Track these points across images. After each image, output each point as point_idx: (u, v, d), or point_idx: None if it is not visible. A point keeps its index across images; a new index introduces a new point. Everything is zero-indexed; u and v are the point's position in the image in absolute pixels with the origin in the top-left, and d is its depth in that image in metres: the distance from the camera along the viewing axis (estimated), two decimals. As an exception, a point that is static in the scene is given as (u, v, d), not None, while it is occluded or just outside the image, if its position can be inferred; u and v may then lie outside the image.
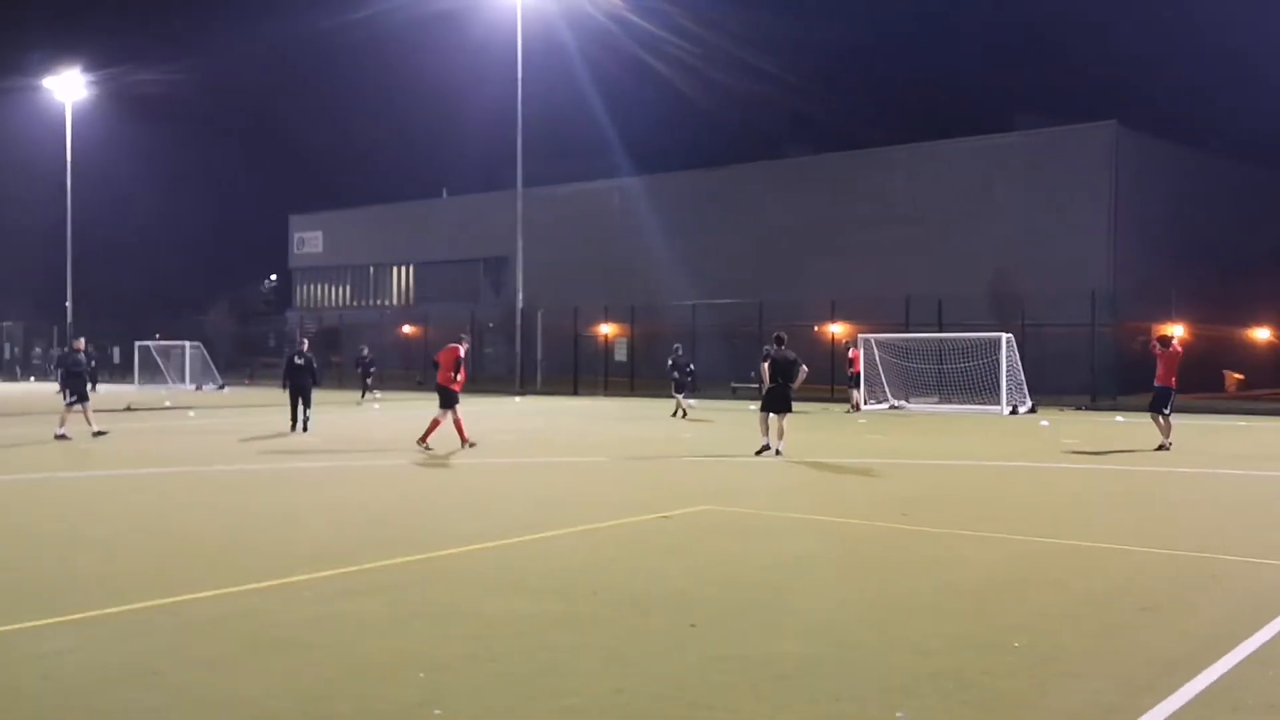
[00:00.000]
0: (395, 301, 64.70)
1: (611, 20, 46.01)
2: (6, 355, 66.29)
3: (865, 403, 31.16)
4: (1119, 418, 27.14)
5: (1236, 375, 38.11)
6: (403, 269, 65.18)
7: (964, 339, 32.11)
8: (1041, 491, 13.60)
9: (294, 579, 7.99)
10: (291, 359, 23.12)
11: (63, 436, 20.39)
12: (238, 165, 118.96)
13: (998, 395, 29.61)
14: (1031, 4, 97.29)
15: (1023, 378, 30.38)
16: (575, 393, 41.84)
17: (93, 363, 23.17)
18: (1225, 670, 5.78)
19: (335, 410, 30.16)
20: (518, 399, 38.99)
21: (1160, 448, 18.14)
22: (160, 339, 51.39)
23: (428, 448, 17.78)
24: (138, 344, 51.19)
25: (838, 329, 38.34)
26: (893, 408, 31.49)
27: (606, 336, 45.97)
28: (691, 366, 30.24)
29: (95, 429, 20.57)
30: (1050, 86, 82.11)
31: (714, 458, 17.38)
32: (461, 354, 18.60)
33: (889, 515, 11.05)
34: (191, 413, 30.32)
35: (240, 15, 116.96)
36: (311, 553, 8.99)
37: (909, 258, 41.74)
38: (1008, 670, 5.82)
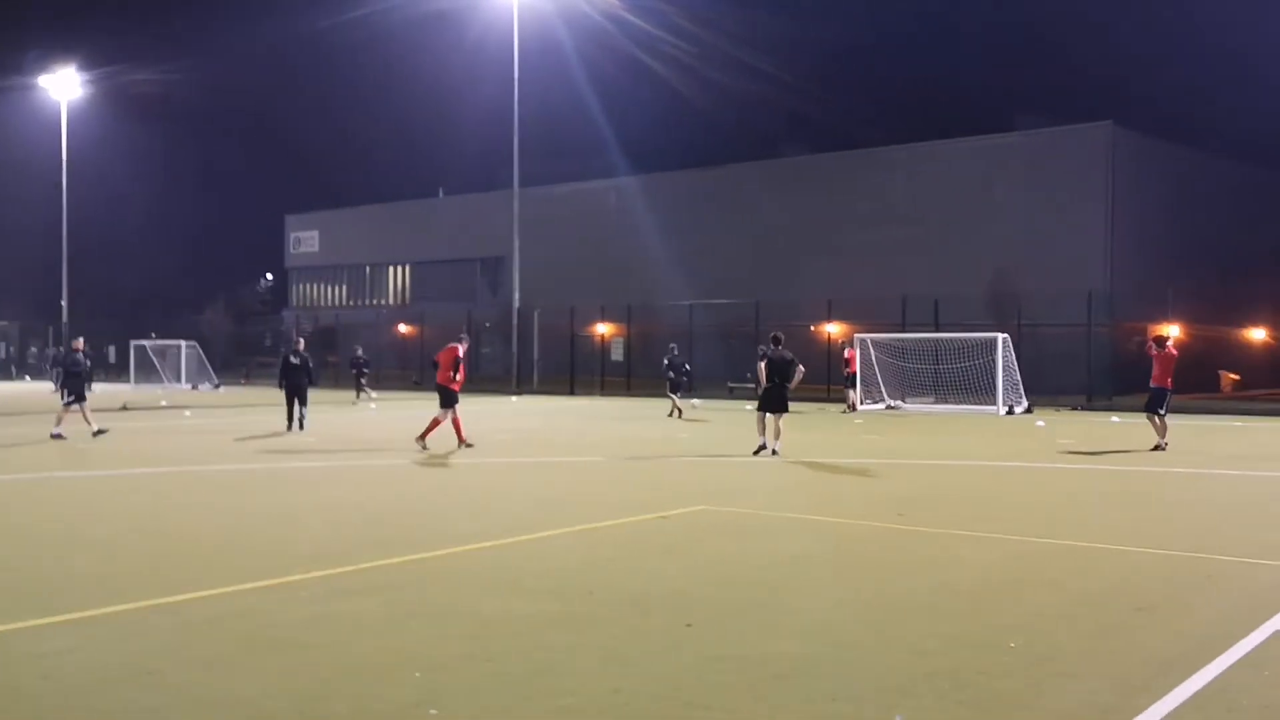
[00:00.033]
0: (391, 301, 64.67)
1: (608, 19, 46.04)
2: (2, 355, 66.21)
3: (861, 403, 31.19)
4: (1115, 418, 27.18)
5: (1232, 375, 38.16)
6: (399, 269, 65.16)
7: (960, 339, 32.14)
8: (1037, 492, 13.62)
9: (291, 579, 8.00)
10: (287, 358, 23.13)
11: (58, 436, 20.36)
12: (234, 164, 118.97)
13: (994, 395, 29.65)
14: (1029, 4, 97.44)
15: (1019, 378, 30.42)
16: (572, 392, 41.84)
17: (88, 362, 23.12)
18: (1220, 671, 5.80)
19: (331, 410, 30.15)
20: (514, 399, 38.99)
21: (1156, 448, 18.18)
22: (156, 338, 51.34)
23: (424, 447, 17.80)
24: (133, 343, 51.12)
25: (834, 329, 38.38)
26: (889, 408, 31.51)
27: (603, 336, 45.97)
28: (687, 366, 30.25)
29: (95, 428, 20.55)
30: (1047, 87, 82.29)
31: (711, 458, 17.39)
32: (460, 353, 18.62)
33: (885, 515, 11.06)
34: (187, 412, 30.30)
35: (237, 15, 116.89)
36: (308, 553, 8.99)
37: (905, 258, 41.78)
38: (1004, 670, 5.83)
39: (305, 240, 69.49)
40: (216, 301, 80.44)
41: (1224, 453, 18.45)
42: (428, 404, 28.02)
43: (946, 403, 31.57)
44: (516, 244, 44.68)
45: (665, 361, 28.81)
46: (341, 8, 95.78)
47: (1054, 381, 33.02)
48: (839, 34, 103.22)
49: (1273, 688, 5.60)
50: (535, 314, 45.35)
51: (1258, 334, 40.57)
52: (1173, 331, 27.57)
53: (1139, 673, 5.77)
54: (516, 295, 45.12)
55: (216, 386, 47.27)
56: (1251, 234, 43.71)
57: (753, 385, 28.21)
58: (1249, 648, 6.24)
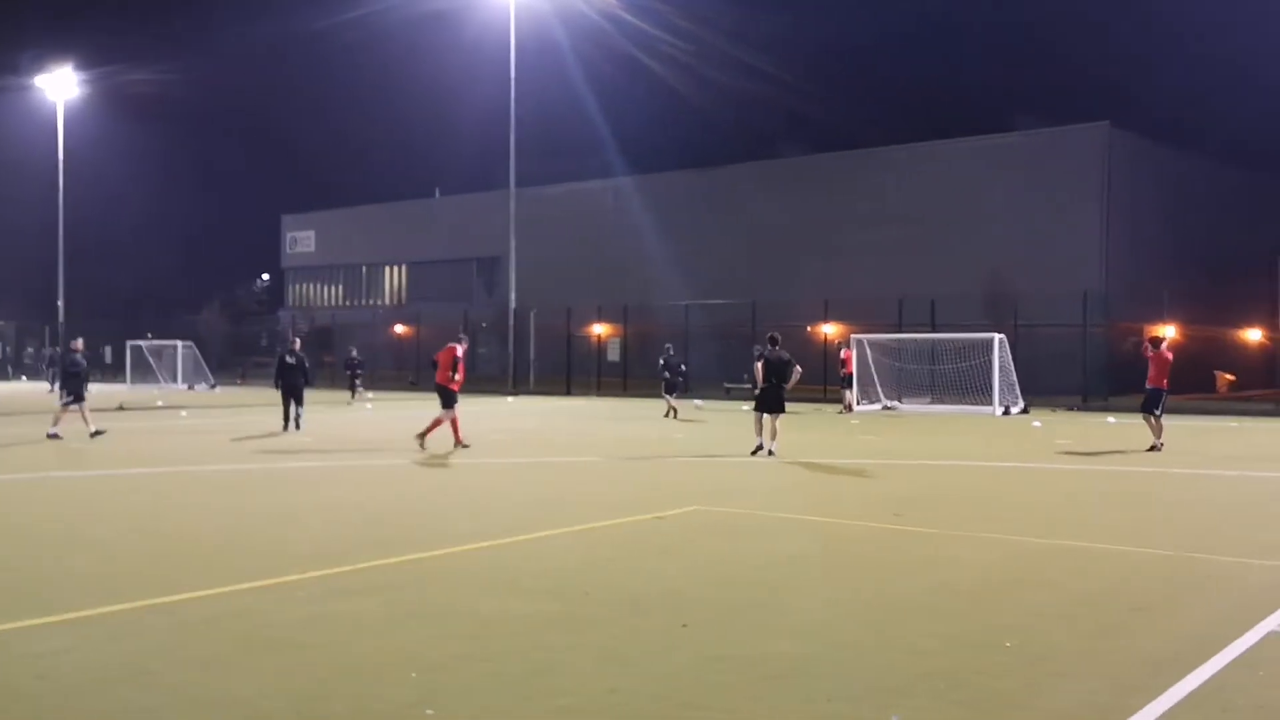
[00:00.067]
0: (388, 301, 64.62)
1: (605, 19, 46.07)
2: (-2, 354, 66.11)
3: (858, 403, 31.21)
4: (1111, 418, 27.22)
5: (1228, 376, 38.22)
6: (395, 269, 65.12)
7: (957, 339, 32.17)
8: (1034, 492, 13.64)
9: (288, 579, 8.00)
10: (283, 358, 23.11)
11: (55, 436, 20.34)
12: (231, 164, 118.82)
13: (990, 396, 29.68)
14: (1026, 5, 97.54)
15: (1015, 378, 30.46)
16: (568, 393, 41.84)
17: (84, 363, 23.00)
18: (1215, 671, 5.81)
19: (327, 410, 30.13)
20: (510, 399, 38.99)
21: (1152, 448, 18.22)
22: (152, 338, 51.29)
23: (423, 446, 17.83)
24: (130, 343, 51.07)
25: (831, 329, 38.40)
26: (885, 408, 31.54)
27: (599, 336, 45.97)
28: (683, 367, 30.25)
29: (93, 429, 20.52)
30: (1044, 87, 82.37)
31: (707, 458, 17.40)
32: (459, 353, 18.65)
33: (882, 516, 11.07)
34: (184, 412, 30.27)
35: (234, 15, 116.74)
36: (305, 553, 8.99)
37: (902, 258, 41.80)
38: (1000, 670, 5.84)
39: (301, 240, 69.43)
40: (212, 302, 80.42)
41: (1220, 453, 18.48)
42: (423, 404, 27.99)
43: (943, 403, 31.60)
44: (513, 244, 44.67)
45: (661, 362, 28.82)
46: (338, 8, 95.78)
47: (1050, 382, 33.07)
48: (836, 34, 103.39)
49: (1268, 688, 5.62)
50: (532, 314, 45.34)
51: (1253, 335, 40.64)
52: (1168, 332, 27.58)
53: (1135, 673, 5.78)
54: (513, 295, 45.11)
55: (212, 387, 47.22)
56: (1247, 235, 43.78)
57: (748, 385, 28.22)
58: (1244, 648, 6.25)
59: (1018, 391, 30.37)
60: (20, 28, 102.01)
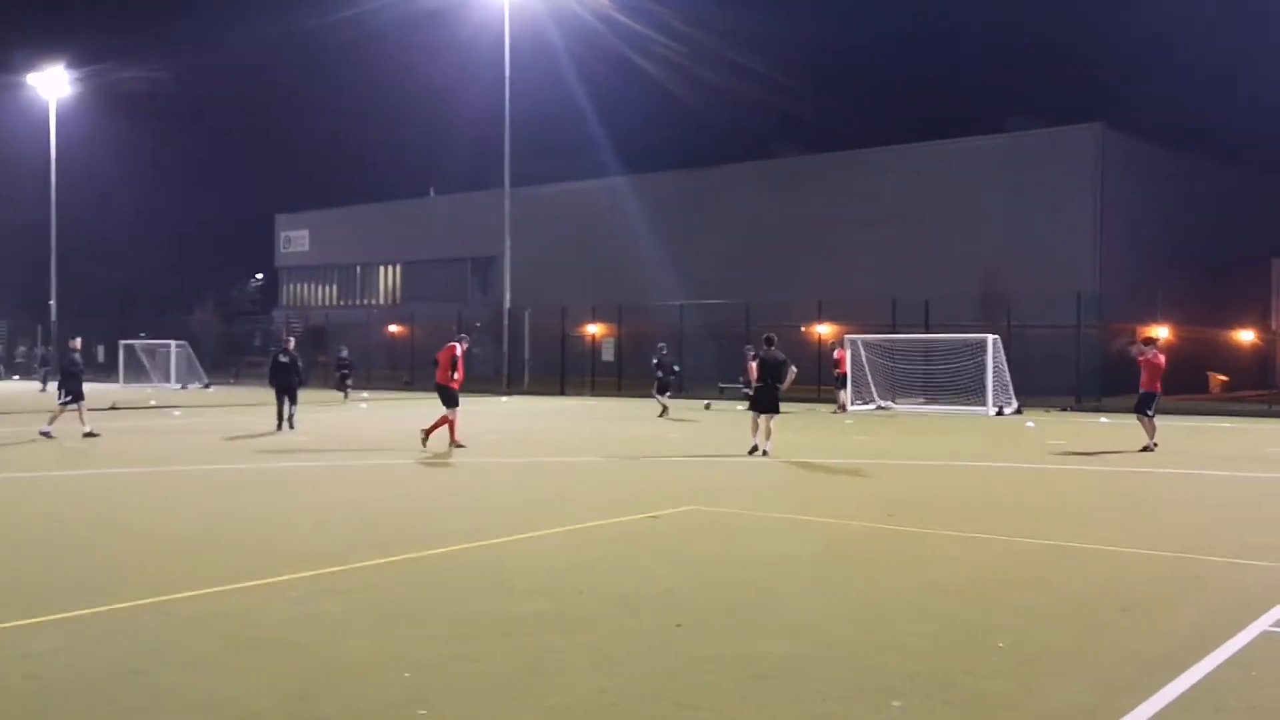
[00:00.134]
0: (382, 301, 64.54)
1: (599, 19, 46.04)
2: (-9, 353, 65.90)
3: (852, 403, 31.22)
4: (1104, 419, 27.26)
5: (1221, 377, 38.32)
6: (390, 268, 65.04)
7: (950, 340, 32.19)
8: (1026, 492, 13.65)
9: (280, 578, 7.98)
10: (277, 357, 23.09)
11: (46, 434, 20.30)
12: (224, 163, 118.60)
13: (984, 396, 29.70)
14: (1020, 6, 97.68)
15: (1009, 379, 30.49)
16: (562, 393, 41.82)
17: (82, 362, 22.94)
18: (1207, 671, 5.82)
19: (321, 410, 30.08)
20: (505, 399, 38.97)
21: (1145, 449, 18.25)
22: (145, 337, 51.17)
23: (425, 443, 18.00)
24: (122, 343, 50.93)
25: (825, 329, 38.41)
26: (879, 408, 31.56)
27: (594, 336, 45.95)
28: (676, 367, 30.24)
29: (87, 429, 20.47)
30: (1037, 88, 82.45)
31: (701, 458, 17.40)
32: (458, 353, 18.70)
33: (875, 515, 11.08)
34: (177, 412, 30.21)
35: (228, 14, 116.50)
36: (297, 552, 8.97)
37: (896, 258, 41.84)
38: (991, 670, 5.84)
39: (295, 239, 69.31)
40: (206, 301, 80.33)
41: (1212, 454, 18.52)
42: (417, 404, 27.96)
43: (936, 403, 31.62)
44: (508, 244, 44.64)
45: (654, 361, 28.81)
46: (333, 7, 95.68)
47: (1043, 382, 33.11)
48: (830, 35, 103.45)
49: (1260, 688, 5.62)
50: (526, 314, 45.30)
51: (1246, 336, 40.74)
52: (1161, 333, 27.64)
53: (1126, 673, 5.78)
54: (507, 295, 45.08)
55: (206, 386, 47.12)
56: (1241, 236, 43.88)
57: (740, 384, 28.22)
58: (1236, 648, 6.26)
59: (1011, 392, 30.40)
60: (12, 25, 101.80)
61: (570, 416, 28.55)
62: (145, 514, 11.35)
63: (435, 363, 19.15)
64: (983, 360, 29.97)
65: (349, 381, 37.49)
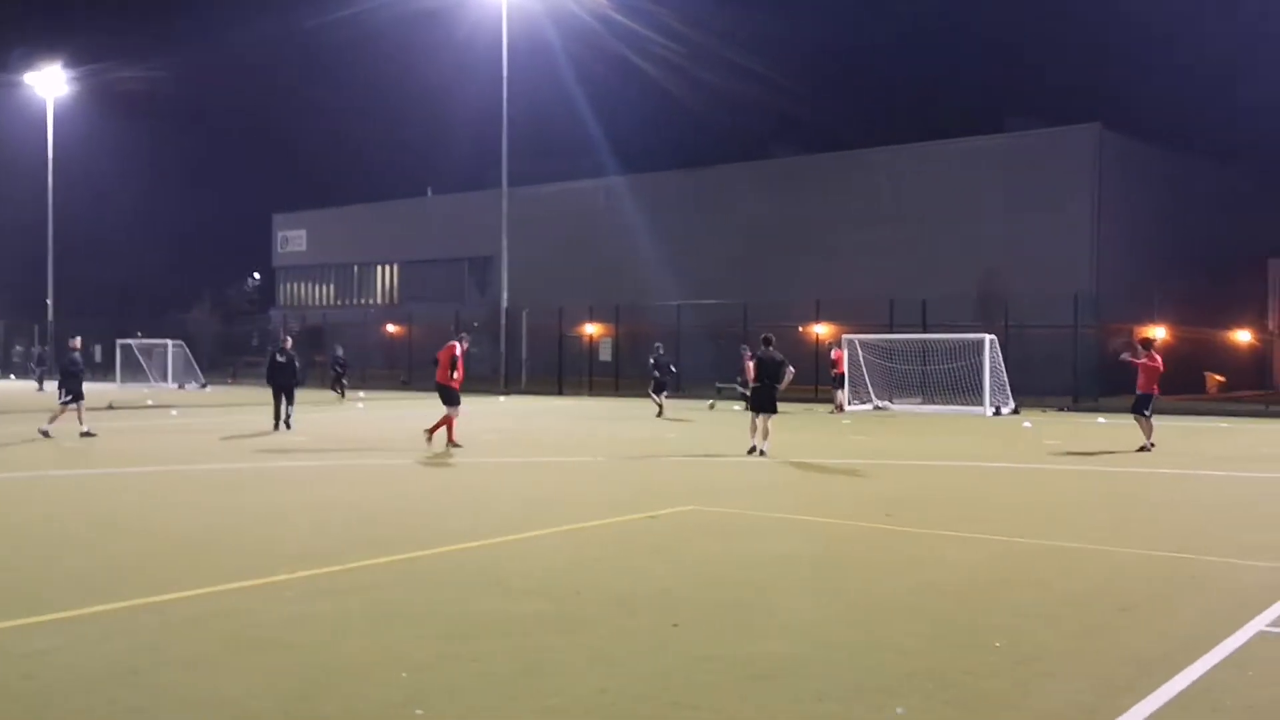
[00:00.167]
0: (379, 301, 64.51)
1: (597, 19, 46.02)
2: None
3: (849, 403, 31.23)
4: (1101, 419, 27.29)
5: (1218, 377, 38.36)
6: (387, 268, 65.01)
7: (948, 340, 32.21)
8: (1024, 492, 13.67)
9: (277, 578, 7.98)
10: (274, 357, 23.10)
11: (45, 433, 20.29)
12: (222, 163, 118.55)
13: (981, 396, 29.72)
14: (1018, 7, 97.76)
15: (1006, 379, 30.51)
16: (560, 393, 41.81)
17: (82, 361, 22.93)
18: (1204, 671, 5.83)
19: (318, 409, 30.08)
20: (502, 399, 38.96)
21: (1142, 449, 18.27)
22: (142, 337, 51.12)
23: (430, 441, 18.10)
24: (120, 342, 50.89)
25: (822, 329, 38.42)
26: (876, 408, 31.57)
27: (591, 336, 45.96)
28: (673, 367, 30.23)
29: (84, 429, 20.46)
30: (1035, 88, 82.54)
31: (699, 457, 17.40)
32: (458, 352, 18.74)
33: (872, 515, 11.09)
34: (174, 411, 30.19)
35: (226, 13, 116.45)
36: (295, 552, 8.97)
37: (894, 258, 41.87)
38: (989, 670, 5.85)
39: (293, 239, 69.26)
40: (203, 300, 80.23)
41: (1209, 454, 18.54)
42: (414, 404, 27.94)
43: (934, 403, 31.64)
44: (505, 244, 44.62)
45: (651, 361, 28.82)
46: (331, 6, 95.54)
47: (1040, 382, 33.13)
48: (829, 35, 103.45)
49: (1256, 688, 5.63)
50: (523, 314, 45.29)
51: (1243, 336, 40.79)
52: (1158, 334, 27.70)
53: (1123, 673, 5.79)
54: (505, 295, 45.07)
55: (203, 386, 47.09)
56: (1238, 236, 43.94)
57: (737, 384, 28.22)
58: (1233, 648, 6.27)
59: (1008, 392, 30.42)
60: (10, 24, 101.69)
61: (568, 416, 28.55)
62: (144, 514, 11.34)
63: (435, 362, 19.19)
64: (980, 360, 30.00)
65: (345, 381, 37.45)
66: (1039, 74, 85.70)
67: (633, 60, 56.92)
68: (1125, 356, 19.67)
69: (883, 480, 14.61)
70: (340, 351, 38.76)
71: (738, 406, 28.29)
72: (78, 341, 22.15)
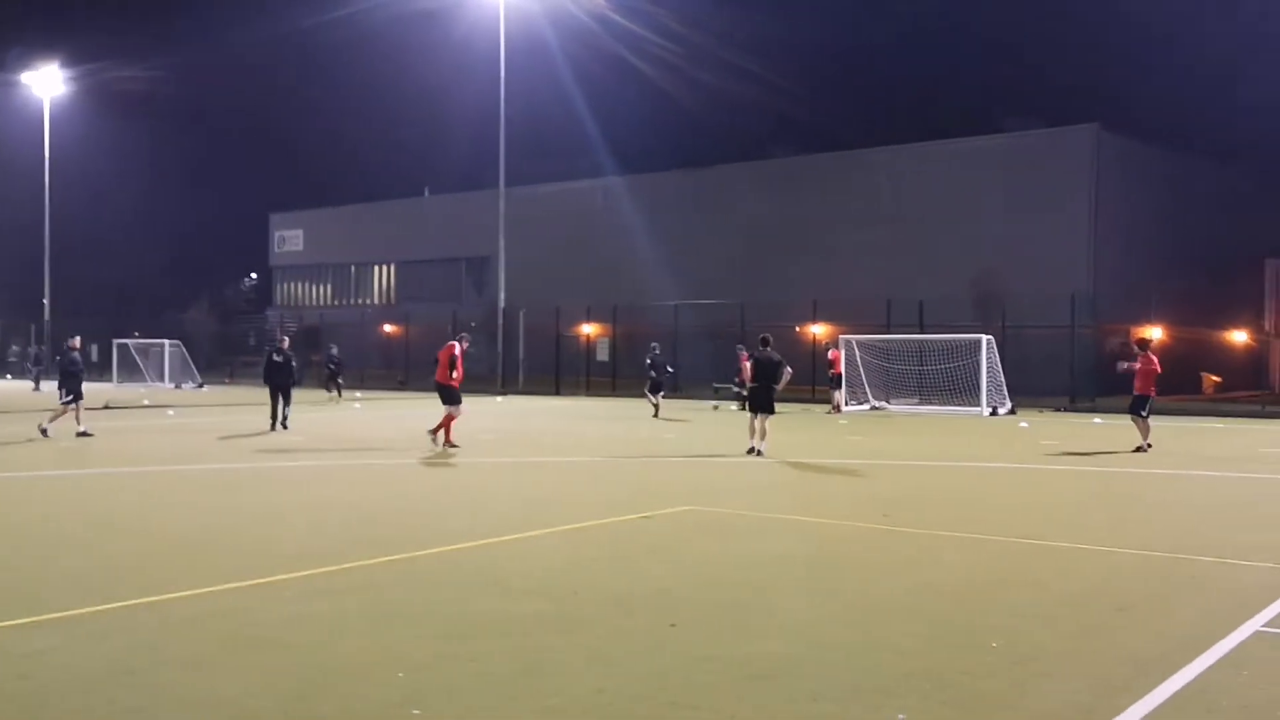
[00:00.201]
0: (377, 301, 64.48)
1: (595, 20, 46.03)
2: (-16, 353, 65.75)
3: (846, 404, 31.25)
4: (1097, 419, 27.32)
5: (1214, 377, 38.42)
6: (384, 268, 64.99)
7: (945, 340, 32.24)
8: (1021, 493, 13.68)
9: (275, 578, 7.98)
10: (271, 356, 23.09)
11: (44, 432, 20.27)
12: (219, 163, 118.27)
13: (978, 397, 29.75)
14: (1016, 7, 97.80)
15: (1003, 379, 30.53)
16: (557, 393, 41.81)
17: (82, 361, 22.89)
18: (1200, 671, 5.84)
19: (315, 409, 30.06)
20: (499, 399, 38.96)
21: (1139, 449, 18.29)
22: (139, 337, 51.08)
23: (435, 441, 18.14)
24: (116, 342, 50.86)
25: (819, 330, 38.44)
26: (873, 409, 31.59)
27: (589, 336, 45.96)
28: (670, 367, 30.23)
29: (81, 428, 20.45)
30: (1033, 89, 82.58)
31: (696, 458, 17.41)
32: (457, 351, 18.78)
33: (869, 516, 11.10)
34: (171, 411, 30.17)
35: (223, 13, 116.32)
36: (292, 552, 8.97)
37: (891, 259, 41.89)
38: (986, 670, 5.86)
39: (290, 239, 69.23)
40: (200, 300, 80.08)
41: (1206, 454, 18.57)
42: (411, 404, 27.93)
43: (931, 404, 31.67)
44: (502, 244, 44.62)
45: (647, 361, 28.83)
46: (328, 6, 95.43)
47: (1037, 383, 33.16)
48: (828, 35, 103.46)
49: (1252, 688, 5.65)
50: (521, 314, 45.29)
51: (1240, 336, 40.84)
52: (1155, 334, 27.73)
53: (1120, 673, 5.80)
54: (502, 295, 45.06)
55: (200, 386, 47.06)
56: (1235, 237, 43.97)
57: (734, 384, 28.22)
58: (1229, 648, 6.28)
59: (1005, 392, 30.44)
60: (8, 23, 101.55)
61: (565, 416, 28.55)
62: (141, 514, 11.34)
63: (435, 361, 19.23)
64: (977, 361, 30.03)
65: (340, 380, 37.41)
66: (1038, 74, 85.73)
67: (631, 60, 56.94)
68: (1123, 367, 19.68)
69: (880, 481, 14.62)
70: (334, 350, 38.75)
71: (735, 407, 28.29)
72: (77, 341, 22.12)
